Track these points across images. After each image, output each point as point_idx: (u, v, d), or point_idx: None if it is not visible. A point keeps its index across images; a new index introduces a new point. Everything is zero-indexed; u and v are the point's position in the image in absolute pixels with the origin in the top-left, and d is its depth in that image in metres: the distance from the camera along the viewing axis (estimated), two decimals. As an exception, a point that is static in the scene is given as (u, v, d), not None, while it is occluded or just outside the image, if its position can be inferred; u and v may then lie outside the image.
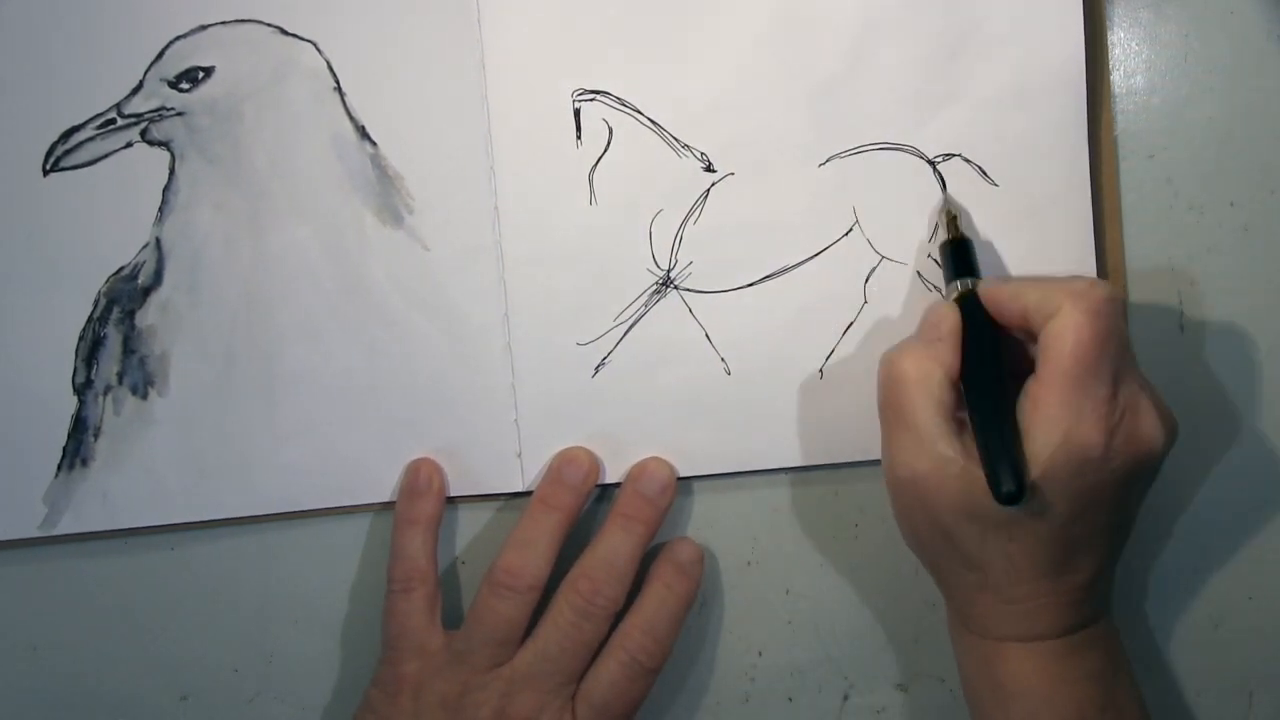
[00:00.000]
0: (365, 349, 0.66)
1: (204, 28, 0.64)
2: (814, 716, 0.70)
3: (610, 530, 0.65)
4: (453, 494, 0.67)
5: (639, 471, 0.66)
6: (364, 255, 0.65)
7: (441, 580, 0.67)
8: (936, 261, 0.66)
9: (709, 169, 0.65)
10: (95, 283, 0.65)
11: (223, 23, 0.64)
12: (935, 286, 0.66)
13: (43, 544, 0.67)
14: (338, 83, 0.64)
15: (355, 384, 0.66)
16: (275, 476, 0.66)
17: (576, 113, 0.65)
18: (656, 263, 0.66)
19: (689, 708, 0.70)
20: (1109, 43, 0.66)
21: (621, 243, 0.65)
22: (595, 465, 0.66)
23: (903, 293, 0.66)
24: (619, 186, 0.65)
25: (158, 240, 0.65)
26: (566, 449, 0.66)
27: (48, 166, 0.64)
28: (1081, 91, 0.65)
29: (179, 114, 0.64)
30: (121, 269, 0.65)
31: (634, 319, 0.66)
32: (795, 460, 0.67)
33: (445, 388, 0.66)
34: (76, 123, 0.64)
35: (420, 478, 0.66)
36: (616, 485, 0.67)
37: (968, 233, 0.65)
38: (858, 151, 0.65)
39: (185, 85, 0.64)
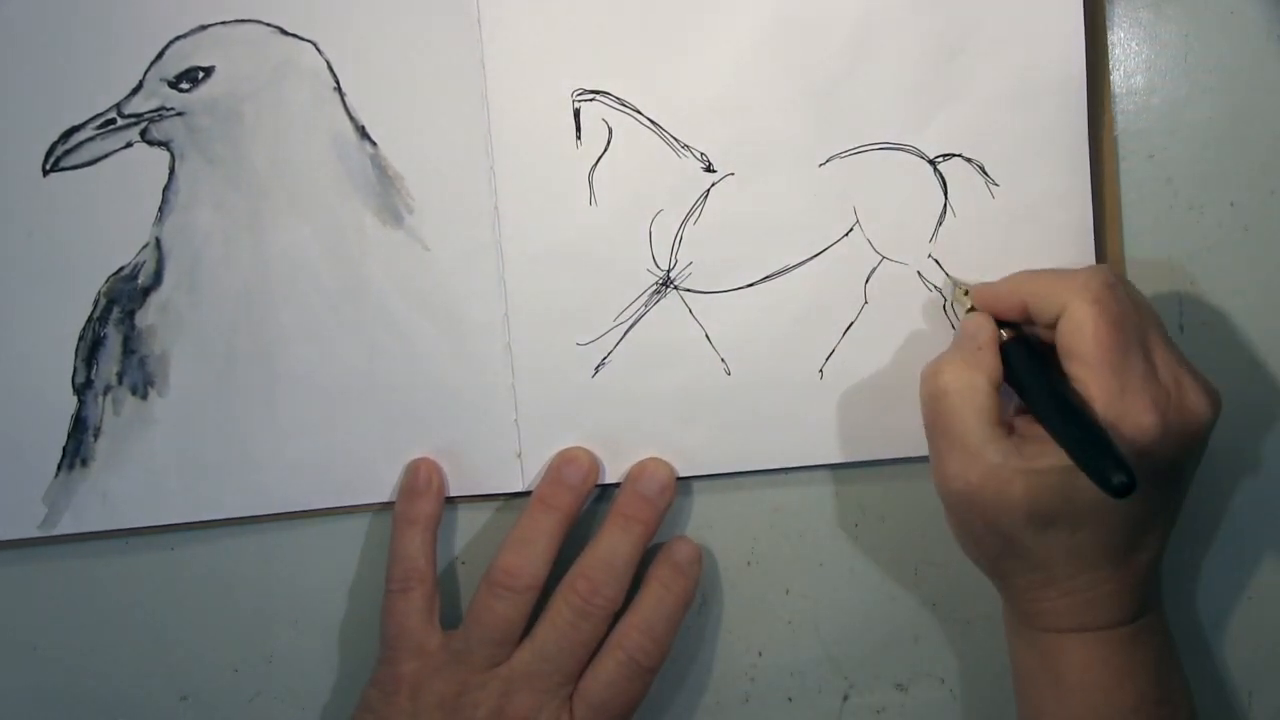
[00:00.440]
0: (365, 349, 0.66)
1: (204, 28, 0.64)
2: (814, 716, 0.70)
3: (609, 530, 0.65)
4: (453, 494, 0.67)
5: (638, 471, 0.66)
6: (364, 255, 0.65)
7: (440, 580, 0.67)
8: (937, 262, 0.66)
9: (709, 169, 0.65)
10: (95, 283, 0.65)
11: (223, 23, 0.64)
12: (935, 286, 0.66)
13: (43, 544, 0.67)
14: (338, 83, 0.64)
15: (355, 384, 0.66)
16: (275, 476, 0.66)
17: (576, 113, 0.65)
18: (656, 263, 0.66)
19: (689, 708, 0.70)
20: (1109, 43, 0.66)
21: (621, 243, 0.65)
22: (595, 465, 0.66)
23: (903, 293, 0.66)
24: (619, 186, 0.65)
25: (158, 240, 0.65)
26: (566, 449, 0.66)
27: (48, 166, 0.64)
28: (1082, 91, 0.65)
29: (179, 114, 0.64)
30: (121, 269, 0.65)
31: (634, 319, 0.66)
32: (795, 460, 0.67)
33: (445, 388, 0.66)
34: (76, 123, 0.64)
35: (420, 477, 0.66)
36: (616, 485, 0.67)
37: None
38: (858, 151, 0.65)
39: (185, 85, 0.64)
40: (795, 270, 0.66)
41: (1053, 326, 0.59)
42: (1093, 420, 0.56)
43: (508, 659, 0.64)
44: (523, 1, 0.64)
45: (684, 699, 0.70)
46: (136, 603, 0.68)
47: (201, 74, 0.64)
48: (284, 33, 0.64)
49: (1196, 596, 0.69)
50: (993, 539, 0.60)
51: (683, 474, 0.67)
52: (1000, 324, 0.62)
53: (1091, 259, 0.65)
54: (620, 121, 0.65)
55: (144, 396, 0.66)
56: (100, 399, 0.65)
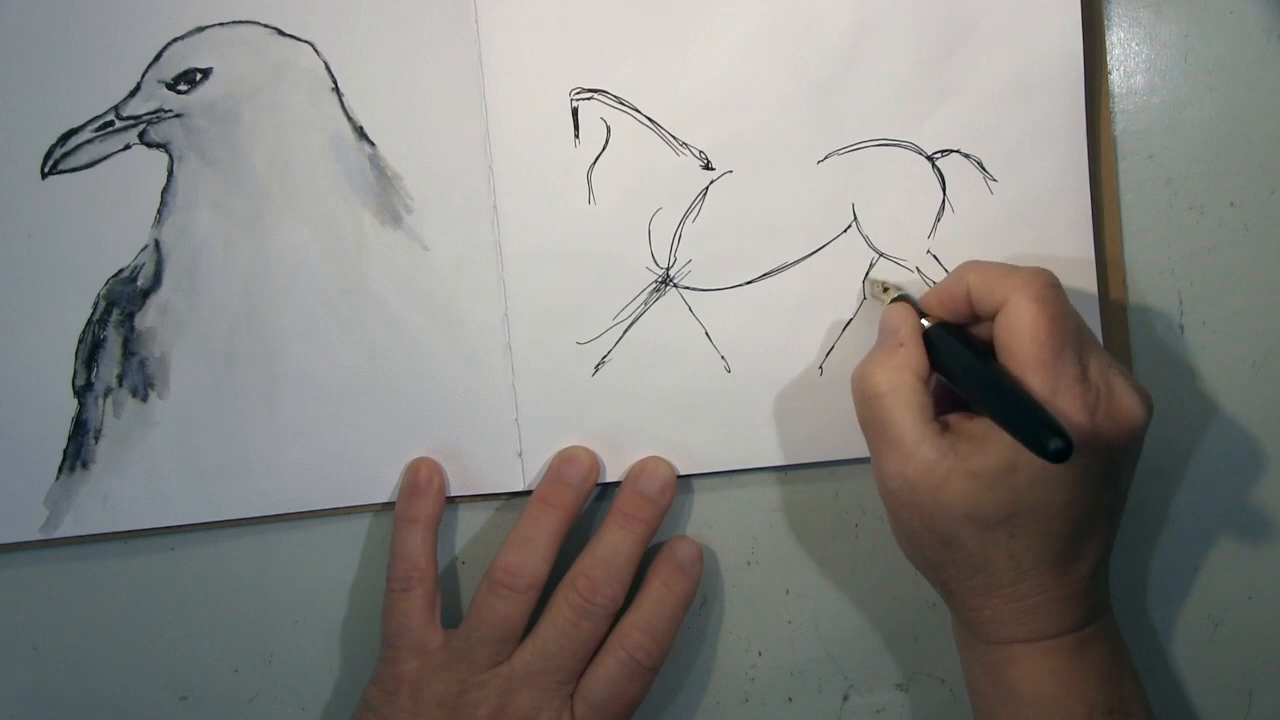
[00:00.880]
0: (365, 349, 0.66)
1: (201, 29, 0.63)
2: (814, 716, 0.70)
3: (610, 529, 0.65)
4: (453, 494, 0.67)
5: (639, 470, 0.66)
6: (363, 255, 0.65)
7: (441, 579, 0.67)
8: (936, 258, 0.66)
9: (707, 166, 0.65)
10: (94, 285, 0.65)
11: (220, 24, 0.63)
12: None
13: (44, 546, 0.67)
14: (335, 83, 0.64)
15: (355, 384, 0.66)
16: (275, 477, 0.66)
17: (574, 111, 0.65)
18: (655, 261, 0.66)
19: (689, 708, 0.70)
20: (1109, 43, 0.66)
21: (620, 241, 0.65)
22: (595, 464, 0.66)
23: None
24: (618, 185, 0.65)
25: (157, 242, 0.65)
26: (567, 448, 0.66)
27: (46, 169, 0.64)
28: (1079, 87, 0.65)
29: (177, 116, 0.64)
30: (120, 271, 0.65)
31: (633, 317, 0.66)
32: (795, 458, 0.67)
33: (445, 388, 0.66)
34: (75, 125, 0.64)
35: (420, 477, 0.66)
36: (616, 484, 0.67)
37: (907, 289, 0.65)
38: (856, 148, 0.65)
39: (183, 87, 0.64)
40: (794, 267, 0.66)
41: (993, 319, 0.59)
42: (1024, 390, 0.56)
43: (509, 658, 0.64)
44: (520, 1, 0.64)
45: (684, 699, 0.70)
46: (137, 603, 0.68)
47: (199, 75, 0.64)
48: (281, 33, 0.64)
49: (1196, 597, 0.70)
50: (931, 539, 0.59)
51: (683, 472, 0.67)
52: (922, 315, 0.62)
53: (1091, 255, 0.65)
54: (618, 120, 0.65)
55: (144, 398, 0.66)
56: (100, 401, 0.65)
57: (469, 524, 0.68)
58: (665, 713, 0.70)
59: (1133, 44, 0.66)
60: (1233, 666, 0.70)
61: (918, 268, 0.66)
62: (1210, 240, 0.67)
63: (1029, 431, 0.54)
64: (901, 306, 0.62)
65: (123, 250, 0.65)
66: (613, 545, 0.65)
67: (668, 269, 0.66)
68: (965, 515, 0.58)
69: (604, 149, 0.65)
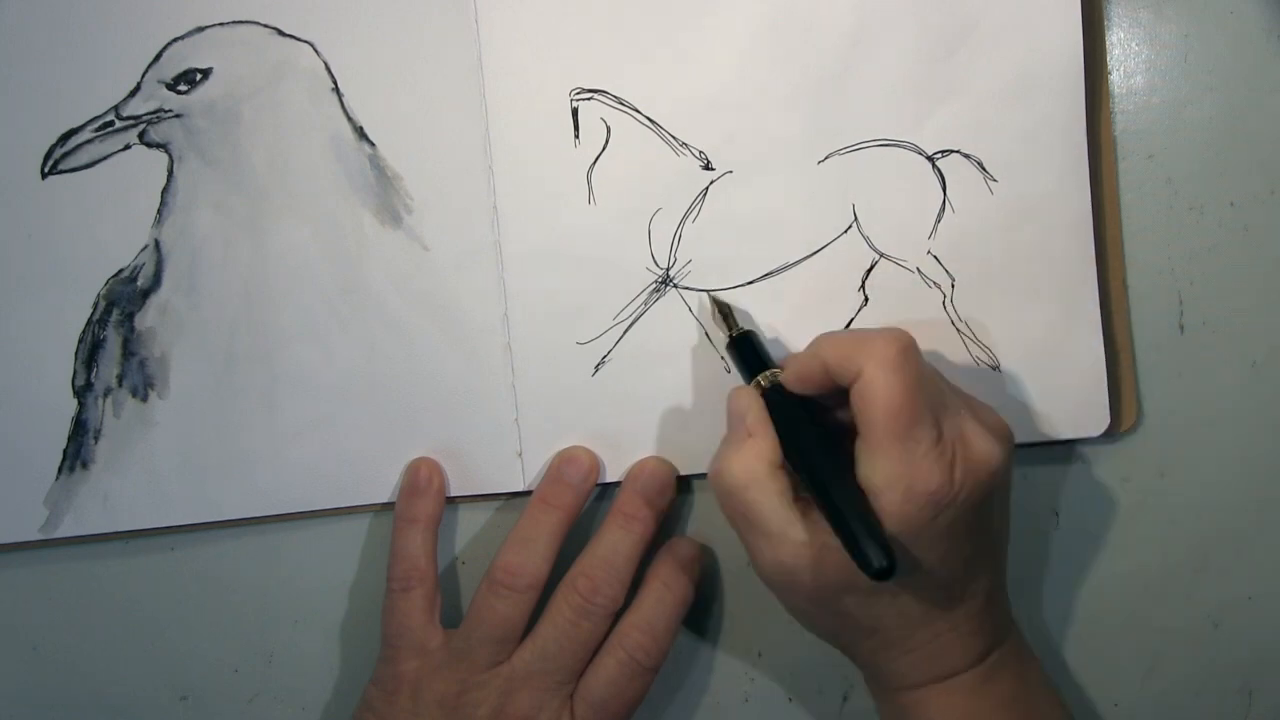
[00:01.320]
0: (365, 349, 0.66)
1: (201, 29, 0.63)
2: (814, 717, 0.70)
3: (609, 529, 0.65)
4: (453, 494, 0.67)
5: (639, 470, 0.66)
6: (363, 255, 0.65)
7: (441, 580, 0.67)
8: (936, 258, 0.65)
9: (707, 167, 0.65)
10: (94, 285, 0.65)
11: (220, 24, 0.63)
12: (935, 284, 0.66)
13: (44, 546, 0.67)
14: (335, 83, 0.64)
15: (355, 384, 0.66)
16: (275, 477, 0.66)
17: (574, 112, 0.65)
18: (655, 261, 0.66)
19: (689, 708, 0.70)
20: (1109, 43, 0.66)
21: (620, 241, 0.65)
22: (595, 464, 0.66)
23: (902, 290, 0.66)
24: (617, 185, 0.65)
25: (157, 242, 0.65)
26: (567, 448, 0.66)
27: (46, 169, 0.64)
28: (1080, 87, 0.65)
29: (177, 116, 0.64)
30: (120, 271, 0.65)
31: (633, 317, 0.66)
32: (795, 459, 0.67)
33: (445, 388, 0.66)
34: (75, 125, 0.64)
35: (420, 477, 0.66)
36: (617, 484, 0.67)
37: (747, 325, 0.65)
38: (856, 148, 0.65)
39: (183, 87, 0.64)
40: (794, 268, 0.66)
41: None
42: (859, 500, 0.57)
43: (509, 658, 0.64)
44: (520, 1, 0.64)
45: (684, 699, 0.70)
46: (137, 603, 0.68)
47: (199, 76, 0.64)
48: (281, 34, 0.64)
49: (1196, 597, 0.70)
50: (821, 613, 0.60)
51: (683, 472, 0.67)
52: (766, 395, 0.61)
53: (1091, 256, 0.65)
54: (618, 120, 0.65)
55: (144, 398, 0.66)
56: (100, 401, 0.65)
57: (469, 524, 0.68)
58: (665, 713, 0.70)
59: (1133, 44, 0.66)
60: (1233, 666, 0.70)
61: (918, 268, 0.66)
62: (1210, 240, 0.67)
63: (856, 549, 0.55)
64: (743, 391, 0.62)
65: (123, 250, 0.65)
66: (612, 545, 0.65)
67: (668, 269, 0.66)
68: (845, 587, 0.58)
69: (604, 149, 0.65)
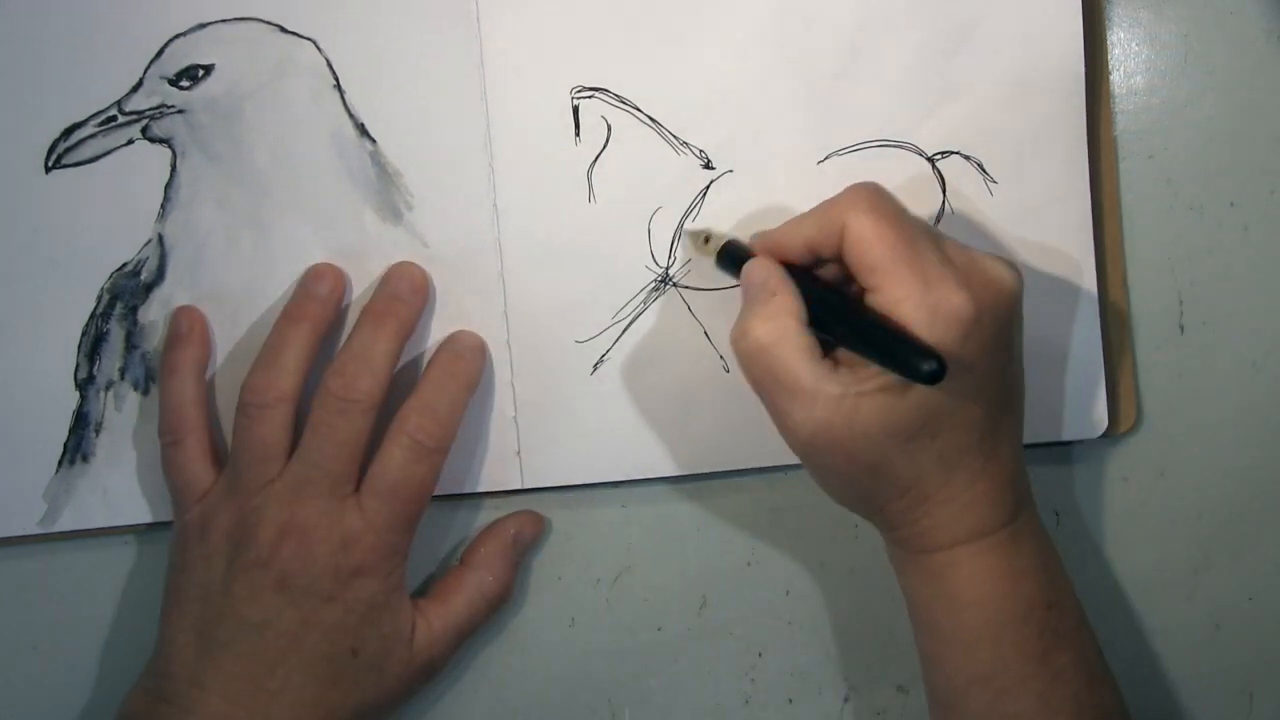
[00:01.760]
0: (366, 347, 0.66)
1: (203, 26, 0.64)
2: (814, 718, 0.70)
3: (359, 329, 0.63)
4: (452, 493, 0.67)
5: (390, 272, 0.65)
6: (364, 252, 0.65)
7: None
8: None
9: (708, 166, 0.65)
10: (98, 279, 0.65)
11: (222, 20, 0.64)
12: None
13: (43, 540, 0.67)
14: (337, 80, 0.64)
15: (356, 382, 0.66)
16: (275, 473, 0.66)
17: (575, 110, 0.65)
18: (655, 260, 0.66)
19: (689, 708, 0.70)
20: (1109, 43, 0.66)
21: (620, 240, 0.66)
22: (341, 276, 0.65)
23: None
24: (618, 183, 0.65)
25: (160, 236, 0.65)
26: (312, 265, 0.65)
27: (50, 163, 0.64)
28: (1080, 89, 0.65)
29: (179, 111, 0.64)
30: (124, 265, 0.65)
31: (633, 316, 0.66)
32: (795, 458, 0.67)
33: (445, 385, 0.66)
34: (78, 120, 0.64)
35: (180, 325, 0.65)
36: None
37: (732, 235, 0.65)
38: (856, 148, 0.65)
39: (185, 83, 0.64)
40: (795, 269, 0.66)
41: (837, 260, 0.59)
42: (888, 322, 0.56)
43: (279, 475, 0.62)
44: (522, -1, 0.65)
45: (684, 699, 0.69)
46: (137, 600, 0.68)
47: (201, 72, 0.64)
48: (283, 30, 0.64)
49: (1196, 597, 0.69)
50: (858, 472, 0.59)
51: (683, 473, 0.67)
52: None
53: (1091, 256, 0.65)
54: (619, 118, 0.65)
55: (146, 392, 0.66)
56: (102, 395, 0.66)
57: (468, 523, 0.68)
58: (666, 713, 0.69)
59: (1133, 44, 0.67)
60: (1233, 667, 0.69)
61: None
62: (1210, 240, 0.67)
63: (903, 362, 0.54)
64: (763, 260, 0.61)
65: (126, 244, 0.65)
66: (364, 342, 0.63)
67: (667, 268, 0.66)
68: (885, 434, 0.57)
69: (604, 147, 0.65)
